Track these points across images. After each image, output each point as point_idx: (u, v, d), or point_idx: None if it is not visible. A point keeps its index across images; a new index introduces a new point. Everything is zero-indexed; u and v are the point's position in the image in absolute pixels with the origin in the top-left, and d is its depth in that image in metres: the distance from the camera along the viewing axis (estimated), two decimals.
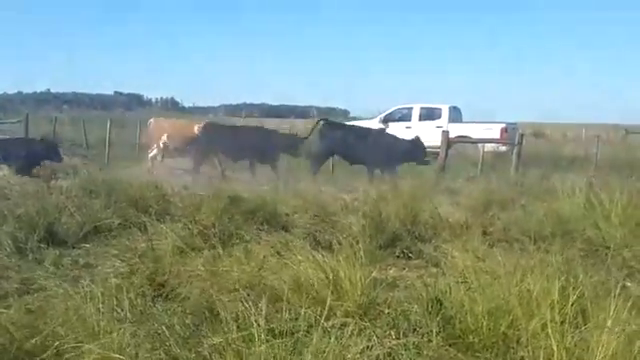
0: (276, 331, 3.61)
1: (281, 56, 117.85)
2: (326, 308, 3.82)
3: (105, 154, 17.96)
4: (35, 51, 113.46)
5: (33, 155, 13.60)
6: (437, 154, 15.14)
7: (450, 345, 3.86)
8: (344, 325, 3.72)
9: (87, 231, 7.23)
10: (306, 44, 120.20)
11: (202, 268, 5.22)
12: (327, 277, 4.53)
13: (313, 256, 4.83)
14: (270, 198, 8.62)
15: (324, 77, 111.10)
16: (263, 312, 3.65)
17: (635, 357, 3.33)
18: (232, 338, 3.43)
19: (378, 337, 3.77)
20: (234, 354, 3.34)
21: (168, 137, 15.35)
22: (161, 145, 15.42)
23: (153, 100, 72.05)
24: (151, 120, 16.37)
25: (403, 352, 3.70)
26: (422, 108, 21.91)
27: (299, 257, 4.88)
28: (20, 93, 62.99)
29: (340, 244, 5.47)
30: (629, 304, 3.73)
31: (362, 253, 4.86)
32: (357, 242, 5.39)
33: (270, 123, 24.96)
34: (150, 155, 15.59)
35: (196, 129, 15.04)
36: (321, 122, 15.85)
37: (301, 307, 4.08)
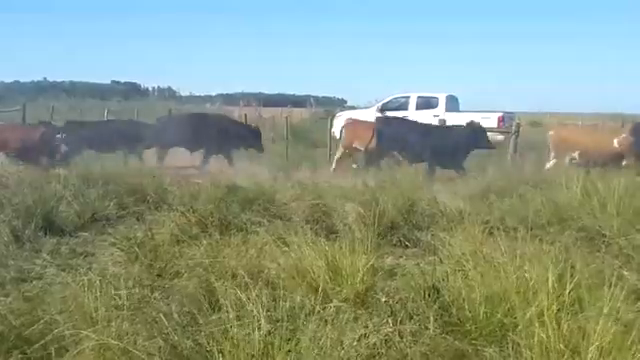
0: (274, 318, 3.63)
1: (278, 45, 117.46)
2: (324, 295, 3.84)
3: None
4: (32, 40, 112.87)
5: None
6: None
7: (447, 333, 3.87)
8: (342, 312, 3.74)
9: (85, 220, 7.25)
10: (302, 33, 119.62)
11: (200, 256, 5.23)
12: (326, 265, 4.55)
13: (312, 244, 4.84)
14: (268, 187, 8.63)
15: (321, 66, 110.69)
16: (263, 300, 3.67)
17: (631, 345, 3.35)
18: (230, 325, 3.45)
19: (375, 325, 3.79)
20: (232, 341, 3.35)
21: (580, 153, 12.63)
22: (576, 156, 12.69)
23: (150, 89, 71.71)
24: (551, 132, 13.77)
25: (400, 339, 3.72)
26: (419, 97, 21.85)
27: (297, 244, 4.89)
28: (17, 82, 62.70)
29: (338, 233, 5.48)
30: (625, 292, 3.76)
31: (361, 242, 4.87)
32: (354, 231, 5.41)
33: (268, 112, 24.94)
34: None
35: (616, 143, 12.41)
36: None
37: (299, 295, 4.10)
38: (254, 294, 3.75)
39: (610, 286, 3.75)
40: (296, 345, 3.36)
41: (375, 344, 3.60)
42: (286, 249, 5.01)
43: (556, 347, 3.42)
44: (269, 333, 3.39)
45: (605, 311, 3.47)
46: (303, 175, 11.83)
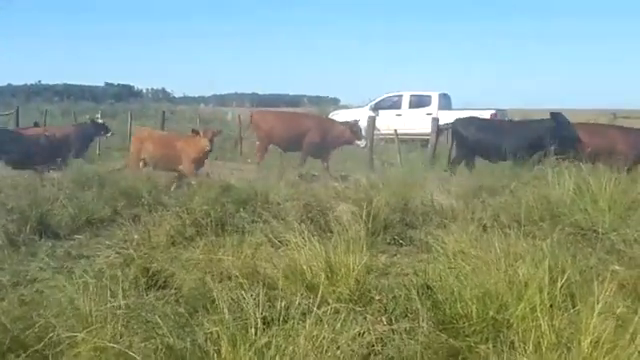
0: (270, 318, 3.65)
1: (270, 45, 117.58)
2: (318, 294, 3.87)
3: (97, 145, 17.89)
4: (25, 43, 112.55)
5: None
6: (427, 141, 15.21)
7: (440, 330, 3.90)
8: (337, 312, 3.76)
9: (80, 223, 7.25)
10: (295, 33, 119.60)
11: (196, 257, 5.25)
12: (321, 264, 4.57)
13: (308, 243, 4.85)
14: (262, 187, 8.65)
15: (313, 66, 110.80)
16: (259, 300, 3.69)
17: (627, 339, 3.37)
18: (227, 326, 3.47)
19: (370, 322, 3.82)
20: (229, 342, 3.37)
21: None
22: None
23: (144, 91, 71.69)
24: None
25: (395, 337, 3.75)
26: (412, 95, 21.91)
27: (292, 243, 4.91)
28: (10, 85, 62.54)
29: (332, 232, 5.50)
30: (617, 287, 3.79)
31: (356, 240, 4.90)
32: (348, 230, 5.43)
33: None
34: None
35: None
36: None
37: (294, 294, 4.12)
38: (250, 294, 3.77)
39: (602, 281, 3.79)
40: (292, 345, 3.38)
41: (370, 342, 3.63)
42: (282, 247, 5.03)
43: (549, 342, 3.46)
44: (266, 333, 3.42)
45: (598, 306, 3.50)
46: (297, 175, 11.85)
